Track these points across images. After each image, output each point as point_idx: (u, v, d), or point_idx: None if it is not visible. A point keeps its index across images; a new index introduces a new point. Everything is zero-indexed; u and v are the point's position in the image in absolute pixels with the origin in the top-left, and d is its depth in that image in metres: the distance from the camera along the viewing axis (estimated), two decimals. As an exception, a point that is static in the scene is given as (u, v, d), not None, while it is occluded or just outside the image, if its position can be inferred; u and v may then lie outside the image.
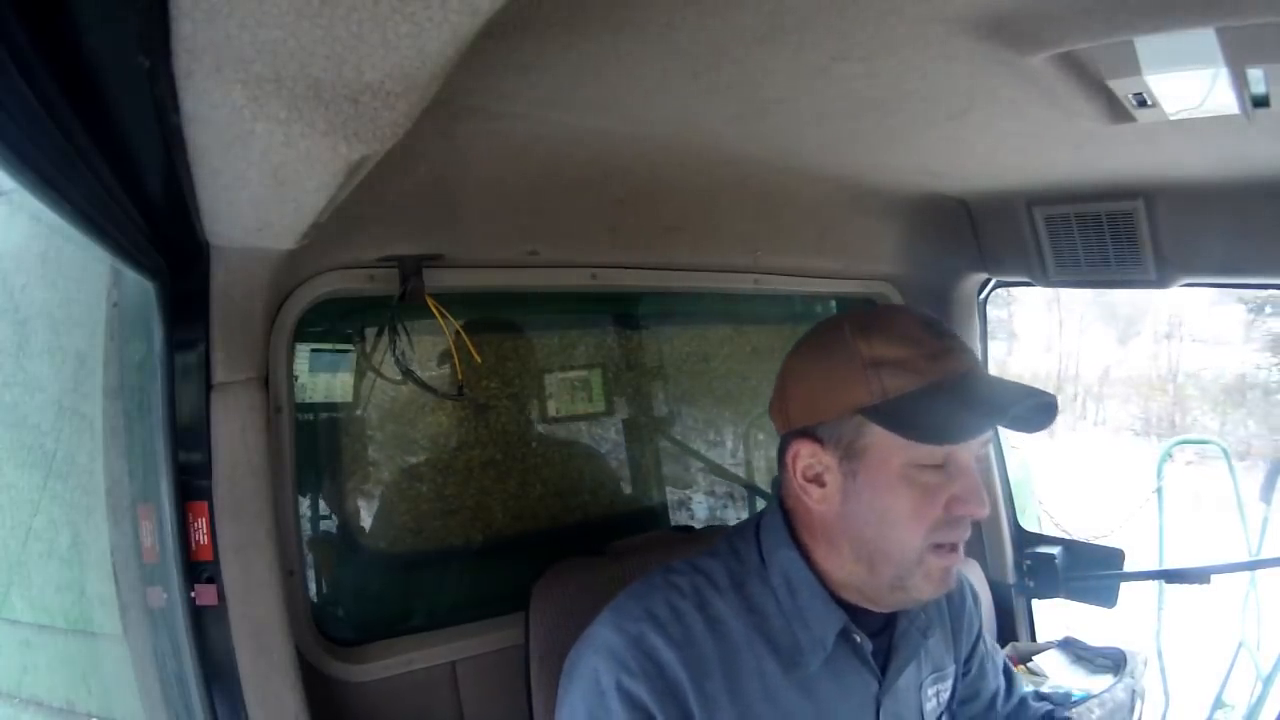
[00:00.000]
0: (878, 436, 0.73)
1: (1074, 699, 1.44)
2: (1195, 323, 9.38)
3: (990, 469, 1.70)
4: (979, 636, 0.96)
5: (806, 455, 0.76)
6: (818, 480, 0.76)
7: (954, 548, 0.75)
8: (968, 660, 0.94)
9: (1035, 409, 0.74)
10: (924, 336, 0.75)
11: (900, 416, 0.72)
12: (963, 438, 0.73)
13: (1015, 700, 0.99)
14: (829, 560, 0.78)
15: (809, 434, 0.76)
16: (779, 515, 0.81)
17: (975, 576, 1.70)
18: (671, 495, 1.54)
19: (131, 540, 0.97)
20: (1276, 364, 8.51)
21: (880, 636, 0.81)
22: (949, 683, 0.90)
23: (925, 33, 0.70)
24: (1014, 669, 1.02)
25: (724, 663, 0.74)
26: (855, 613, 0.78)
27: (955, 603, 0.92)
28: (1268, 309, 8.28)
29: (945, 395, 0.72)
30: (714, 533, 1.13)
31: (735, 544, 0.82)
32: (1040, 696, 1.00)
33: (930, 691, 0.86)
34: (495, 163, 1.02)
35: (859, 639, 0.77)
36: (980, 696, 0.97)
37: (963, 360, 0.75)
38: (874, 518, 0.74)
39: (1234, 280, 1.53)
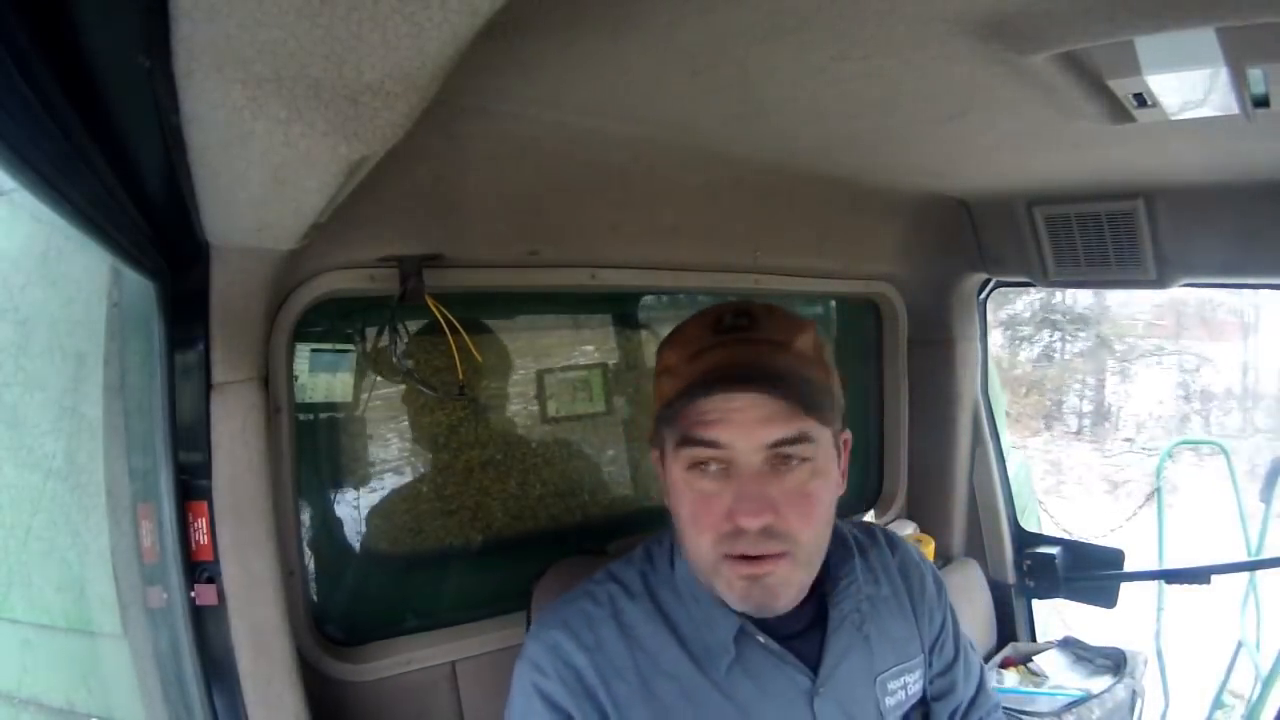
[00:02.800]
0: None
1: (1074, 699, 1.44)
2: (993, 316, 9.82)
3: (989, 468, 1.70)
4: (943, 630, 0.91)
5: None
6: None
7: (750, 559, 0.71)
8: (931, 650, 0.90)
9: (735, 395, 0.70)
10: (702, 335, 0.75)
11: (662, 422, 0.75)
12: (682, 426, 0.72)
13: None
14: None
15: None
16: None
17: (975, 576, 1.70)
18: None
19: (131, 540, 0.97)
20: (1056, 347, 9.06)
21: (810, 632, 0.80)
22: (918, 673, 0.86)
23: (925, 33, 0.70)
24: (990, 689, 0.94)
25: (637, 666, 0.77)
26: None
27: (914, 586, 0.89)
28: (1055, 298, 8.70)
29: (686, 394, 0.72)
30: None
31: (651, 550, 0.85)
32: None
33: (894, 685, 0.83)
34: (495, 163, 1.02)
35: (761, 640, 0.77)
36: (944, 700, 0.90)
37: (726, 354, 0.72)
38: (677, 522, 0.77)
39: (1234, 280, 1.53)
